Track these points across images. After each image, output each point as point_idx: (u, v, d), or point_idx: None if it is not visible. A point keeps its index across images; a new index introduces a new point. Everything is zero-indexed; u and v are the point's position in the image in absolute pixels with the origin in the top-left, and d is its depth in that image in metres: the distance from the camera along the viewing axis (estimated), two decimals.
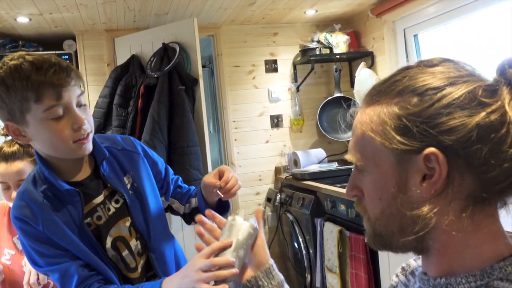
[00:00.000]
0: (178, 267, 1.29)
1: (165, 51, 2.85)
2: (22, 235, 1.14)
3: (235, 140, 3.32)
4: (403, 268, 0.81)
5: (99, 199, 1.19)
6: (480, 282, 0.60)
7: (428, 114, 0.60)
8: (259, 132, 3.37)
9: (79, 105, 1.09)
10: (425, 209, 0.62)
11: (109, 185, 1.19)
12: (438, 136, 0.59)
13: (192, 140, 2.66)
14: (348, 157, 0.69)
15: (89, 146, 1.13)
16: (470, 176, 0.60)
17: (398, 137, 0.62)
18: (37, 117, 1.04)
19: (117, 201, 1.21)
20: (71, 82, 1.06)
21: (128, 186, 1.23)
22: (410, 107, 0.61)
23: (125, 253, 1.20)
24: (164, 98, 2.66)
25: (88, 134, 1.11)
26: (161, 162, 1.35)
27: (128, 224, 1.21)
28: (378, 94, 0.66)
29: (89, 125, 1.11)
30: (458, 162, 0.60)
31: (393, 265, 2.04)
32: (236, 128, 3.32)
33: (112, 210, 1.20)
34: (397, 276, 0.81)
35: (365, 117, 0.67)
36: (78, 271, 1.12)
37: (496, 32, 2.29)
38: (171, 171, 1.38)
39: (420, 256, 0.72)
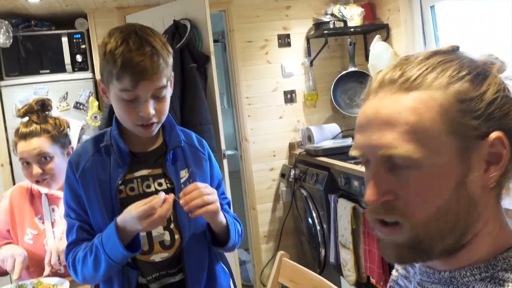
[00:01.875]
0: (210, 278, 1.31)
1: (176, 28, 2.82)
2: (65, 177, 1.25)
3: (249, 116, 3.32)
4: None
5: (143, 172, 1.24)
6: (485, 274, 0.60)
7: (487, 98, 0.59)
8: (273, 108, 3.36)
9: (156, 96, 1.15)
10: (482, 201, 0.61)
11: (163, 167, 1.25)
12: (500, 119, 0.59)
13: (204, 118, 2.66)
14: (396, 151, 0.58)
15: (150, 134, 1.20)
16: None
17: (465, 121, 0.58)
18: (114, 91, 1.13)
19: (160, 184, 1.24)
20: (153, 76, 1.10)
21: (183, 179, 1.26)
22: (468, 92, 0.59)
23: (142, 234, 1.22)
24: (175, 77, 2.64)
25: (152, 124, 1.17)
26: (217, 176, 1.37)
27: None
28: (416, 78, 0.60)
29: (156, 118, 1.16)
30: None
31: None
32: (249, 104, 3.31)
33: (151, 189, 1.23)
34: (396, 270, 0.81)
35: (411, 102, 0.59)
36: (78, 232, 1.21)
37: None
38: (222, 189, 1.39)
39: None
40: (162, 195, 1.09)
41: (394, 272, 0.82)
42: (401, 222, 0.60)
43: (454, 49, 0.64)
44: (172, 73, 1.21)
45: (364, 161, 0.65)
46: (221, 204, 1.35)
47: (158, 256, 1.24)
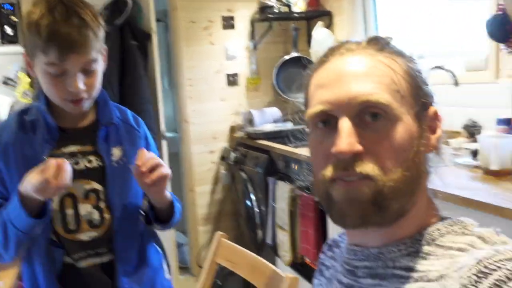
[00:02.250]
0: (141, 259, 1.28)
1: (116, 4, 2.71)
2: None
3: (190, 98, 3.27)
4: (328, 245, 0.82)
5: (72, 148, 1.19)
6: (410, 249, 0.62)
7: (425, 75, 0.65)
8: (215, 90, 3.33)
9: (85, 70, 1.09)
10: (426, 167, 0.64)
11: (94, 144, 1.20)
12: (432, 96, 0.65)
13: (144, 98, 2.59)
14: (379, 97, 0.59)
15: (80, 110, 1.16)
16: None
17: (422, 88, 0.64)
18: (40, 64, 1.08)
19: (90, 161, 1.20)
20: (82, 49, 1.05)
21: (116, 158, 1.21)
22: (414, 64, 0.65)
23: (69, 211, 1.18)
24: (115, 54, 2.56)
25: (82, 99, 1.12)
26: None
27: (88, 187, 1.19)
28: (381, 44, 0.65)
29: (86, 93, 1.11)
30: None
31: None
32: (191, 85, 3.26)
33: (81, 166, 1.19)
34: (323, 252, 0.82)
35: (386, 60, 0.63)
36: None
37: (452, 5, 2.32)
38: None
39: (346, 231, 0.71)
40: (53, 162, 1.03)
41: (321, 255, 0.83)
42: (370, 175, 0.58)
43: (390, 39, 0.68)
44: (105, 46, 1.16)
45: (319, 118, 0.63)
46: None
47: (86, 235, 1.20)
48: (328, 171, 0.61)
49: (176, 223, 1.31)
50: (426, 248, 0.61)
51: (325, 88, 0.62)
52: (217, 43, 3.30)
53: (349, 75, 0.61)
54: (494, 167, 1.56)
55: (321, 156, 0.62)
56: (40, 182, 1.02)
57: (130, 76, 2.59)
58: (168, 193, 1.22)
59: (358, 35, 2.93)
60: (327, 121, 0.62)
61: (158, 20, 3.13)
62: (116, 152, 1.22)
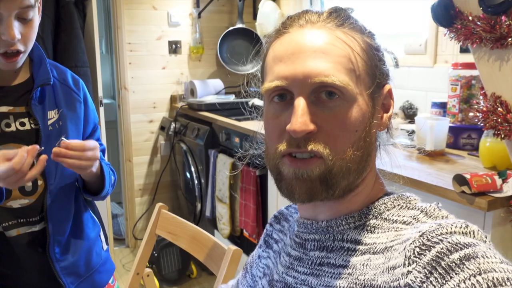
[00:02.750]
0: (76, 229, 1.22)
1: None
2: None
3: (130, 63, 3.13)
4: (275, 217, 0.83)
5: (3, 109, 1.09)
6: (358, 222, 0.64)
7: (382, 53, 0.65)
8: (156, 57, 3.21)
9: (22, 18, 0.98)
10: (374, 145, 0.66)
11: (27, 106, 1.10)
12: (388, 74, 0.66)
13: (81, 60, 2.44)
14: (334, 78, 0.58)
15: (15, 65, 1.05)
16: None
17: (378, 65, 0.64)
18: None
19: (23, 124, 1.10)
20: None
21: (51, 121, 1.12)
22: (373, 42, 0.65)
23: None
24: (49, 10, 2.37)
25: (18, 53, 1.02)
26: (93, 120, 1.25)
27: None
28: (340, 19, 0.63)
29: (22, 44, 1.01)
30: None
31: (281, 197, 2.14)
32: (131, 51, 3.12)
33: (11, 128, 1.09)
34: (270, 224, 0.83)
35: (344, 36, 0.62)
36: None
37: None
38: (98, 135, 1.27)
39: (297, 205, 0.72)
40: (24, 152, 0.96)
41: (268, 227, 0.83)
42: (321, 154, 0.59)
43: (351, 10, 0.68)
44: None
45: (275, 93, 0.62)
46: None
47: (17, 203, 1.12)
48: (281, 146, 0.61)
49: (106, 195, 1.26)
50: (373, 222, 0.63)
51: (283, 62, 0.61)
52: (160, 8, 3.16)
53: (307, 50, 0.60)
54: (429, 147, 1.63)
55: (276, 130, 0.63)
56: (5, 172, 0.94)
57: (66, 37, 2.41)
58: (98, 165, 1.16)
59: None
60: (283, 95, 0.62)
61: None
62: (52, 115, 1.14)
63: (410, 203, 0.64)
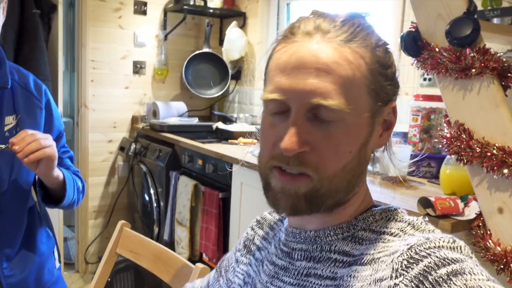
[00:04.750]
0: (28, 243, 1.15)
1: None
2: None
3: (92, 81, 3.06)
4: (258, 221, 0.81)
5: None
6: (346, 233, 0.64)
7: (394, 69, 0.64)
8: (119, 77, 3.16)
9: None
10: (369, 162, 0.65)
11: None
12: (396, 91, 0.65)
13: (43, 73, 2.36)
14: (331, 102, 0.56)
15: None
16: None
17: (383, 84, 0.62)
18: None
19: None
20: None
21: (8, 127, 1.07)
22: (385, 59, 0.62)
23: None
24: (13, 20, 2.30)
25: None
26: (57, 128, 1.20)
27: None
28: (351, 34, 0.60)
29: None
30: None
31: (244, 221, 2.13)
32: (94, 68, 3.06)
33: None
34: (252, 229, 0.81)
35: (349, 56, 0.58)
36: None
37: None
38: (63, 142, 1.23)
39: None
40: None
41: (249, 231, 0.81)
42: (310, 174, 0.59)
43: (367, 15, 0.67)
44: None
45: (276, 108, 0.61)
46: (61, 158, 1.22)
47: None
48: (272, 158, 0.61)
49: (75, 203, 1.21)
50: (361, 233, 0.63)
51: (284, 74, 0.59)
52: (126, 28, 3.14)
53: (310, 67, 0.58)
54: (392, 173, 1.68)
55: (271, 140, 0.62)
56: None
57: (29, 48, 2.34)
58: (60, 172, 1.12)
59: (270, 40, 2.99)
60: (282, 107, 0.60)
61: None
62: (10, 121, 1.09)
63: (397, 215, 0.65)
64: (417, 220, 0.63)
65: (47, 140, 1.02)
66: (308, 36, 0.60)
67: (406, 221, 0.63)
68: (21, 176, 1.10)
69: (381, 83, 0.61)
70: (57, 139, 1.21)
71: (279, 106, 0.60)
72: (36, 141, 0.99)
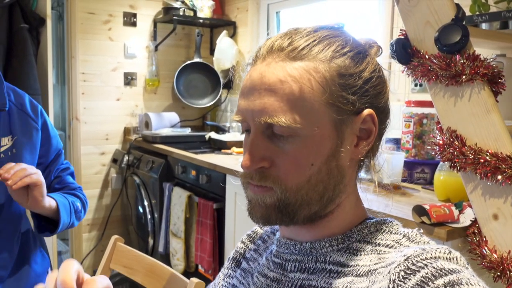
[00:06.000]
0: (22, 264, 1.14)
1: None
2: None
3: (83, 93, 3.05)
4: (249, 235, 0.81)
5: None
6: (341, 245, 0.64)
7: (364, 76, 0.62)
8: (110, 89, 3.15)
9: None
10: (348, 172, 0.64)
11: None
12: (373, 98, 0.63)
13: (32, 88, 2.35)
14: (278, 119, 0.58)
15: None
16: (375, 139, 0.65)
17: (344, 95, 0.61)
18: None
19: None
20: None
21: (4, 148, 1.07)
22: (348, 68, 0.62)
23: None
24: (1, 36, 2.29)
25: None
26: (56, 146, 1.20)
27: None
28: (303, 49, 0.61)
29: None
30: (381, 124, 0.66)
31: (239, 231, 2.11)
32: (84, 81, 3.05)
33: None
34: (243, 242, 0.81)
35: (295, 72, 0.59)
36: None
37: (354, 19, 2.48)
38: (61, 160, 1.22)
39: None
40: None
41: (239, 244, 0.81)
42: (272, 186, 0.61)
43: (340, 26, 0.66)
44: None
45: (244, 127, 0.65)
46: (60, 176, 1.22)
47: None
48: (242, 174, 0.65)
49: (74, 224, 1.20)
50: (356, 245, 0.63)
51: (243, 96, 0.64)
52: (116, 39, 3.13)
53: (259, 88, 0.61)
54: (386, 181, 1.67)
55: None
56: None
57: (18, 63, 2.32)
58: (52, 200, 1.11)
59: None
60: (247, 126, 0.64)
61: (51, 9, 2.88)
62: (5, 142, 1.08)
63: (392, 228, 0.65)
64: (412, 232, 0.63)
65: (32, 169, 1.03)
66: (262, 59, 0.63)
67: (401, 233, 0.63)
68: (13, 202, 1.09)
69: (341, 94, 0.61)
70: (55, 158, 1.20)
71: (246, 125, 0.64)
72: (22, 169, 0.99)
